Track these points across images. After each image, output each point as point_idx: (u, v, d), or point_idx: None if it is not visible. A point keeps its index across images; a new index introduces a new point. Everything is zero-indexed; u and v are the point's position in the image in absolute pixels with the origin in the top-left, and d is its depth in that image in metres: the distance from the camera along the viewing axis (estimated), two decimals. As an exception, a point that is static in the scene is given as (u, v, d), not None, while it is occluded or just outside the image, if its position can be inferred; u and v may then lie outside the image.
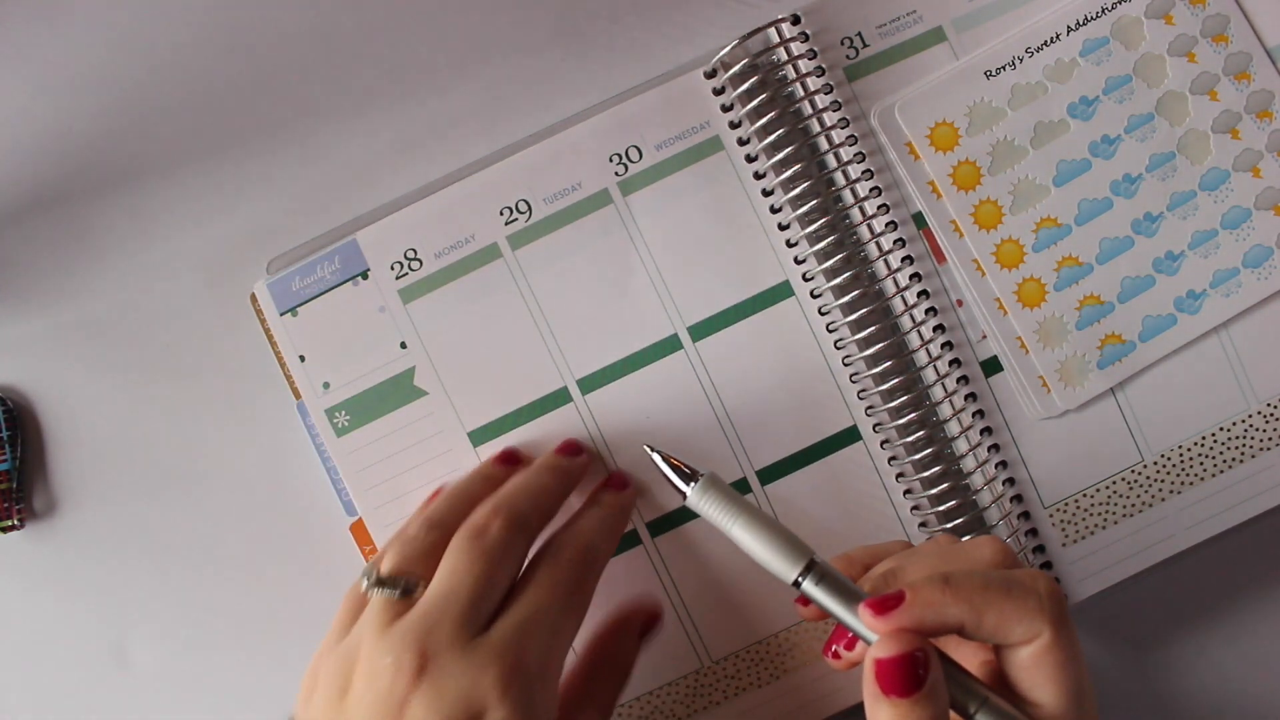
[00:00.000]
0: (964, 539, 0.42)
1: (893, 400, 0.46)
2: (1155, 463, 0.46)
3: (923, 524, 0.46)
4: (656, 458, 0.38)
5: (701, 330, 0.47)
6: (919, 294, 0.46)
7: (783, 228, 0.47)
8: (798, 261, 0.47)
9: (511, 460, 0.46)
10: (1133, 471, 0.46)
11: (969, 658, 0.38)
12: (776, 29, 0.46)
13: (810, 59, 0.46)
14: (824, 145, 0.46)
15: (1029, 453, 0.46)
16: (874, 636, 0.34)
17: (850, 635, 0.38)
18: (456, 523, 0.41)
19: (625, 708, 0.47)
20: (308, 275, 0.47)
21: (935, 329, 0.46)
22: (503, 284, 0.47)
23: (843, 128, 0.46)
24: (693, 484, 0.37)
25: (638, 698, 0.47)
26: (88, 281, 0.50)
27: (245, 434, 0.50)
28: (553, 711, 0.38)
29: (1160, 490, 0.46)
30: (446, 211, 0.47)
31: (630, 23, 0.49)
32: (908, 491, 0.46)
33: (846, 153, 0.46)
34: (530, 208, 0.47)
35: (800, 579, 0.36)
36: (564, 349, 0.47)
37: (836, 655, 0.40)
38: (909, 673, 0.33)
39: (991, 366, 0.47)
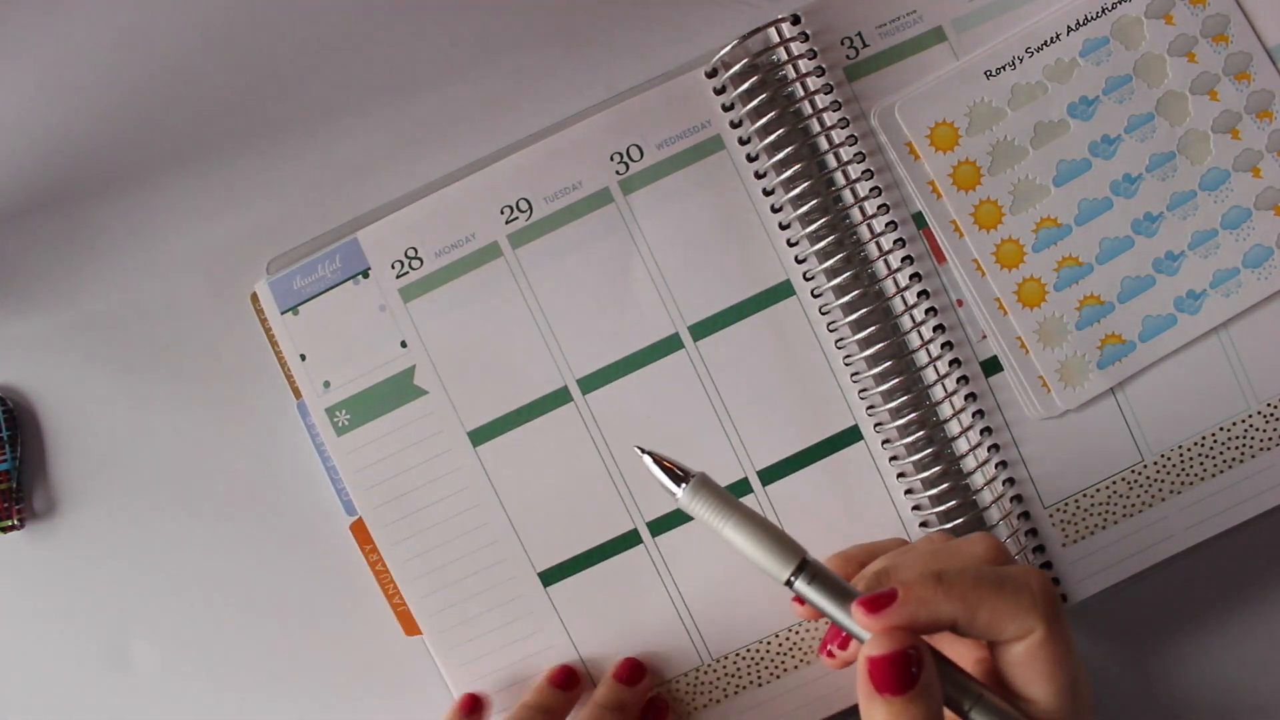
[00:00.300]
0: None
1: (893, 400, 0.46)
2: (1155, 463, 0.46)
3: (923, 524, 0.46)
4: (647, 460, 0.37)
5: (702, 330, 0.47)
6: (919, 294, 0.46)
7: (783, 227, 0.47)
8: (798, 261, 0.47)
9: (569, 684, 0.46)
10: (1133, 471, 0.46)
11: (963, 655, 0.38)
12: (776, 29, 0.46)
13: (810, 59, 0.46)
14: (824, 145, 0.46)
15: (1029, 453, 0.46)
16: (867, 635, 0.34)
17: (845, 634, 0.38)
18: None
19: (624, 707, 0.47)
20: (308, 274, 0.48)
21: (935, 329, 0.46)
22: (503, 283, 0.47)
23: (843, 128, 0.46)
24: (683, 485, 0.36)
25: (637, 697, 0.47)
26: (88, 281, 0.50)
27: (245, 433, 0.50)
28: None
29: (1160, 490, 0.46)
30: (447, 210, 0.47)
31: (630, 23, 0.49)
32: (908, 491, 0.46)
33: (846, 153, 0.46)
34: (531, 206, 0.47)
35: (792, 579, 0.35)
36: (564, 348, 0.47)
37: (831, 654, 0.40)
38: (902, 670, 0.33)
39: (991, 366, 0.46)
